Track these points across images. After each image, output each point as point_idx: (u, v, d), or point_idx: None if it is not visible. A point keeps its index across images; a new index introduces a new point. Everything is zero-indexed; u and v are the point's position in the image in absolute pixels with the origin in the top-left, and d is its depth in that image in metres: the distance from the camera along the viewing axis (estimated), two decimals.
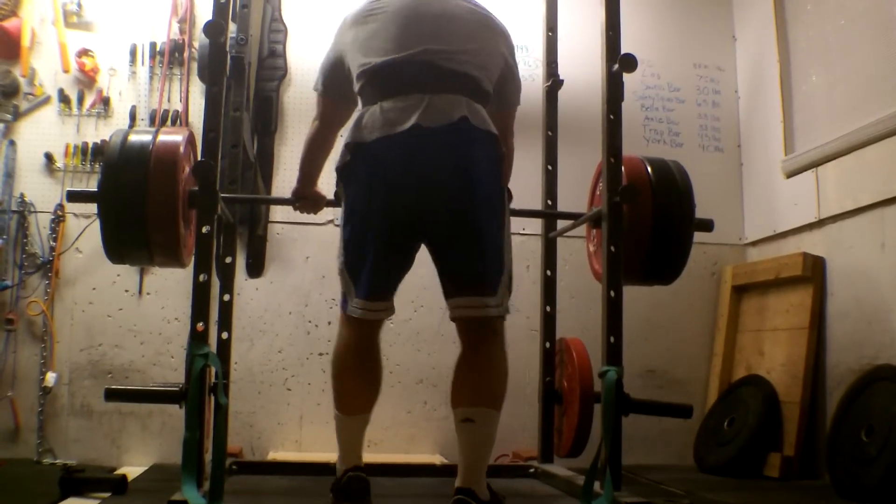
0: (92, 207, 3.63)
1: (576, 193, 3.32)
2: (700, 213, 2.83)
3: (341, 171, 2.35)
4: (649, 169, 2.77)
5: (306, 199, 2.78)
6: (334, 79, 2.46)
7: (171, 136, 2.50)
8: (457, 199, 2.24)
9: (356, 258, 2.31)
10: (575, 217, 3.06)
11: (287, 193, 3.82)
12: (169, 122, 3.80)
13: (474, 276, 2.28)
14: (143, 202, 2.36)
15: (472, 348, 2.31)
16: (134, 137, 2.47)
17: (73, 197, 2.65)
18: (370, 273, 2.29)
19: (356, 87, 2.36)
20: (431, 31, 2.29)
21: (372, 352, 2.42)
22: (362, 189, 2.28)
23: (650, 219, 2.69)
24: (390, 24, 2.31)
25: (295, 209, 2.85)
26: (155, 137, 2.47)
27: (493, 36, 2.40)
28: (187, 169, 2.50)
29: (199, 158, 2.59)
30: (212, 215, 2.41)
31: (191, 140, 2.59)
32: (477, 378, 2.26)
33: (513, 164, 2.54)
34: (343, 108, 2.53)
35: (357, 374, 2.39)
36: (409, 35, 2.29)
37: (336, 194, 2.46)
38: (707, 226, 2.81)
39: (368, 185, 2.27)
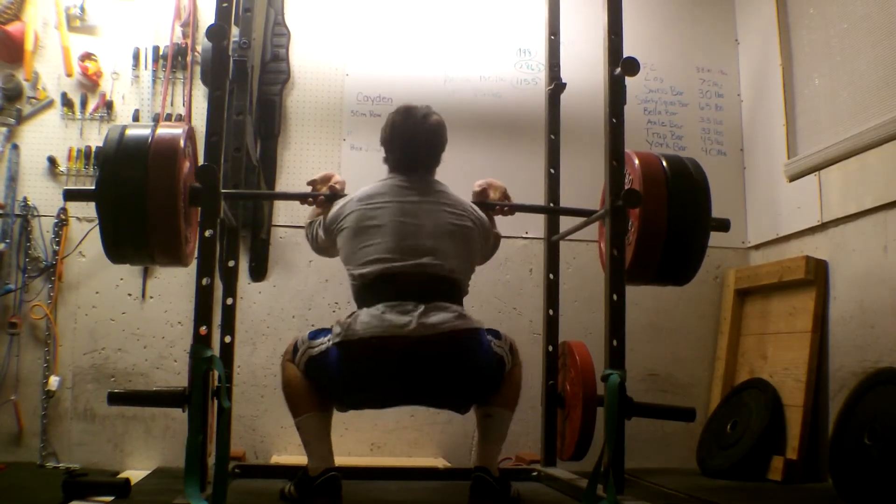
0: (95, 212, 3.67)
1: (578, 196, 3.32)
2: None
3: (320, 356, 2.49)
4: (665, 165, 2.71)
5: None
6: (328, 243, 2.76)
7: (170, 130, 2.43)
8: (452, 392, 2.55)
9: (337, 395, 2.55)
10: (579, 213, 3.05)
11: None
12: None
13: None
14: (142, 199, 2.29)
15: None
16: (131, 132, 2.38)
17: (71, 196, 2.58)
18: (347, 406, 2.62)
19: (353, 285, 2.59)
20: (431, 246, 2.53)
21: None
22: (355, 375, 2.45)
23: (666, 217, 2.63)
24: (389, 233, 2.53)
25: (303, 202, 2.91)
26: (153, 132, 2.38)
27: (473, 245, 2.68)
28: (188, 164, 2.46)
29: (199, 155, 2.58)
30: (215, 219, 2.40)
31: (190, 134, 2.52)
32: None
33: (499, 244, 2.94)
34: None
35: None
36: (408, 246, 2.51)
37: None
38: (724, 225, 2.76)
39: (362, 377, 2.45)
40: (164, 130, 2.42)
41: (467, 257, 2.63)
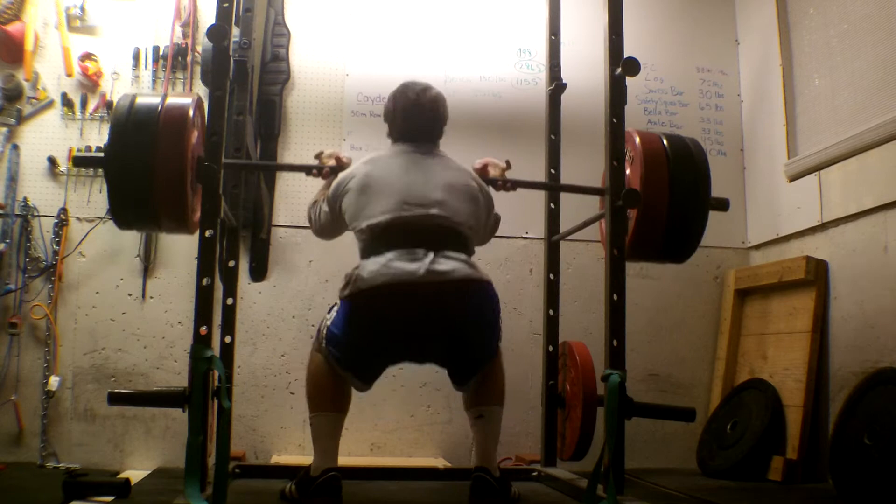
0: (95, 211, 3.68)
1: (578, 196, 3.32)
2: None
3: (333, 322, 2.51)
4: (666, 143, 2.72)
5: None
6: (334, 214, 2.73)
7: (180, 100, 2.45)
8: (460, 344, 2.51)
9: (351, 359, 2.51)
10: (581, 190, 3.09)
11: (290, 196, 3.91)
12: None
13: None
14: (150, 165, 2.30)
15: None
16: (142, 100, 2.40)
17: (80, 161, 2.57)
18: (362, 375, 2.57)
19: (362, 241, 2.56)
20: (439, 198, 2.54)
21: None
22: (364, 326, 2.44)
23: (667, 194, 2.65)
24: (397, 187, 2.55)
25: (310, 174, 2.93)
26: (163, 101, 2.40)
27: (479, 207, 2.68)
28: (196, 133, 2.47)
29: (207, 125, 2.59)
30: (215, 218, 2.40)
31: (199, 105, 2.53)
32: (482, 384, 2.59)
33: (498, 225, 2.94)
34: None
35: (339, 378, 2.55)
36: (416, 197, 2.53)
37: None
38: (723, 204, 2.78)
39: (371, 327, 2.44)
40: (174, 100, 2.44)
41: (474, 215, 2.63)
